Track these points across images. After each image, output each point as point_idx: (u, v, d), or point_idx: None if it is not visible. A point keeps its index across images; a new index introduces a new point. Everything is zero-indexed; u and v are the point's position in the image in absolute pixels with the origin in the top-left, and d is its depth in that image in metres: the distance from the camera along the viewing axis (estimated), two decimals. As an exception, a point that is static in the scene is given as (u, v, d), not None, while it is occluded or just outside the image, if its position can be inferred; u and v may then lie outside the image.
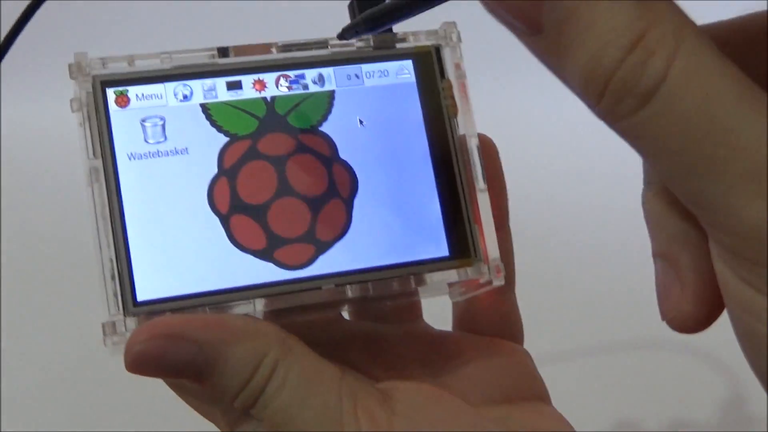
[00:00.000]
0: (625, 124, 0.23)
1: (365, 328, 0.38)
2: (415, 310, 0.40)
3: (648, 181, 0.29)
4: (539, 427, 0.35)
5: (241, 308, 0.33)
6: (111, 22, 0.91)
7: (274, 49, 0.36)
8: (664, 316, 0.28)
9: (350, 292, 0.34)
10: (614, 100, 0.23)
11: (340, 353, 0.36)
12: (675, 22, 0.22)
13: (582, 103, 0.24)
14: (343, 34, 0.35)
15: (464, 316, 0.40)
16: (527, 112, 0.89)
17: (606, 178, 0.81)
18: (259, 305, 0.33)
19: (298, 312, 0.34)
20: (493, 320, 0.39)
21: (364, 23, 0.34)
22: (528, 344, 0.40)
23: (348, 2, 0.36)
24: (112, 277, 0.32)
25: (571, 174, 0.84)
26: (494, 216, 0.36)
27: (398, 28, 0.37)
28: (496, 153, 0.38)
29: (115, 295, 0.32)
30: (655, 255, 0.29)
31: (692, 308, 0.27)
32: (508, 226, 0.39)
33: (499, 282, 0.36)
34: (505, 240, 0.38)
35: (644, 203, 0.29)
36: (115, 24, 0.91)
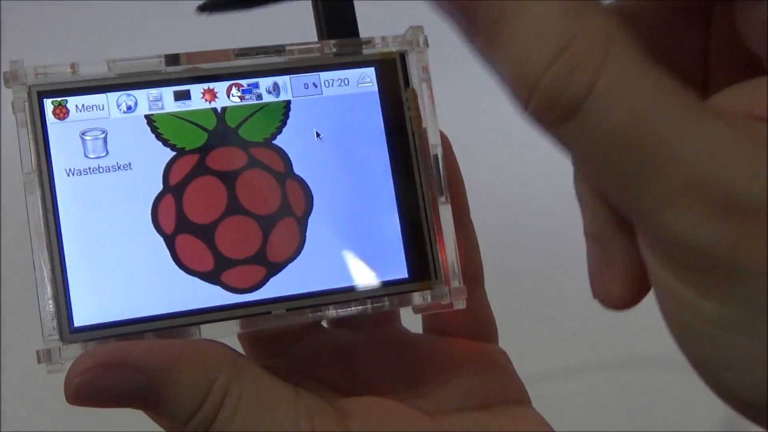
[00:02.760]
0: (552, 133, 0.22)
1: (339, 338, 0.37)
2: (391, 314, 0.39)
3: (577, 168, 0.28)
4: None
5: (187, 334, 0.31)
6: (62, 27, 0.88)
7: (231, 56, 0.33)
8: (595, 295, 0.28)
9: (302, 316, 0.32)
10: (540, 109, 0.22)
11: (311, 367, 0.35)
12: (605, 30, 0.21)
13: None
14: (204, 7, 0.31)
15: (433, 318, 0.38)
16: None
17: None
18: (204, 331, 0.31)
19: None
20: (463, 321, 0.37)
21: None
22: (521, 360, 0.38)
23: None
24: (48, 299, 0.30)
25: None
26: (453, 213, 0.35)
27: (363, 32, 0.35)
28: (450, 147, 0.36)
29: (51, 319, 0.30)
30: (586, 234, 0.28)
31: (620, 290, 0.27)
32: (470, 219, 0.37)
33: (460, 305, 0.34)
34: (467, 235, 0.37)
35: (575, 184, 0.28)
36: (66, 30, 0.88)
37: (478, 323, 0.38)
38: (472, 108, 0.83)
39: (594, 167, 0.23)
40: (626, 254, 0.27)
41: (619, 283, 0.27)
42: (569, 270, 0.73)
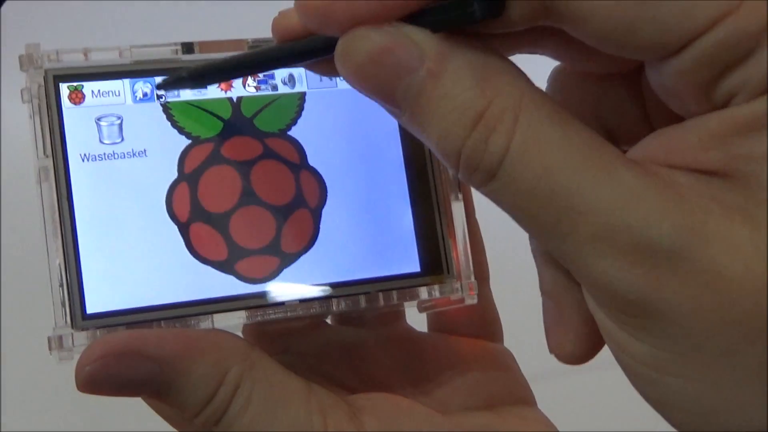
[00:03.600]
0: (481, 191, 0.24)
1: (345, 335, 0.37)
2: (397, 312, 0.39)
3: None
4: None
5: (199, 323, 0.31)
6: (79, 16, 0.88)
7: (246, 46, 0.33)
8: (551, 350, 0.29)
9: (315, 308, 0.32)
10: (466, 174, 0.24)
11: (318, 363, 0.35)
12: (514, 95, 0.23)
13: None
14: (164, 85, 0.32)
15: (438, 317, 0.38)
16: None
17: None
18: (217, 320, 0.31)
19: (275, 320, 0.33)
20: (468, 320, 0.37)
21: (189, 77, 0.30)
22: (531, 358, 0.38)
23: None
24: (60, 286, 0.30)
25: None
26: None
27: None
28: None
29: (63, 305, 0.30)
30: (541, 291, 0.30)
31: (573, 347, 0.29)
32: (475, 219, 0.37)
33: (471, 300, 0.34)
34: (473, 234, 0.37)
35: (530, 242, 0.30)
36: (81, 18, 0.88)
37: (483, 322, 0.38)
38: None
39: (520, 220, 0.24)
40: (578, 309, 0.28)
41: (572, 339, 0.29)
42: None
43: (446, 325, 0.38)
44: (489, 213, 0.41)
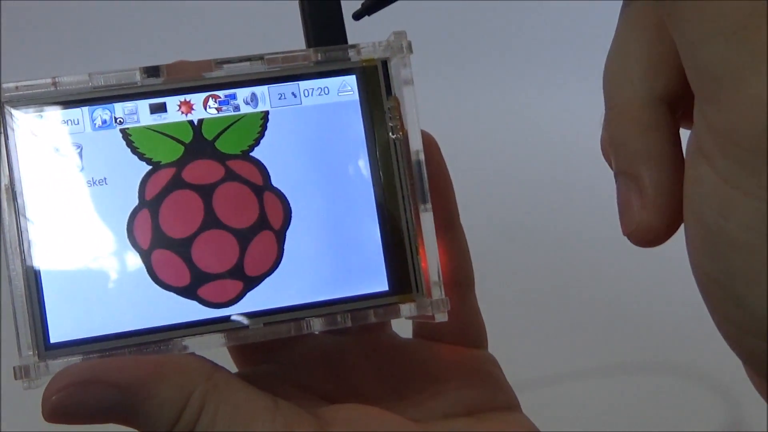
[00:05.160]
0: None
1: (326, 343, 0.37)
2: None
3: (611, 106, 0.29)
4: None
5: (163, 349, 0.31)
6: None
7: (212, 67, 0.33)
8: (625, 229, 0.28)
9: (282, 330, 0.32)
10: None
11: (298, 372, 0.35)
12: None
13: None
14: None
15: (423, 323, 0.38)
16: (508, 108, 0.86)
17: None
18: (182, 345, 0.31)
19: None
20: (452, 327, 0.37)
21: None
22: (523, 365, 0.38)
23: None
24: (23, 316, 0.31)
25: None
26: (441, 217, 0.34)
27: (357, 38, 0.34)
28: (438, 149, 0.36)
29: (28, 335, 0.31)
30: (616, 174, 0.29)
31: (652, 218, 0.27)
32: (459, 224, 0.37)
33: (441, 318, 0.34)
34: (457, 240, 0.36)
35: (606, 128, 0.29)
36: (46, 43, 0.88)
37: (467, 329, 0.38)
38: (464, 109, 0.82)
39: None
40: (659, 182, 0.27)
41: (650, 212, 0.27)
42: (568, 274, 0.72)
43: (430, 331, 0.38)
44: (475, 217, 0.41)
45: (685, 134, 0.27)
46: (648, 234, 0.28)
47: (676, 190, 0.26)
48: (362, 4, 0.34)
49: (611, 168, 0.29)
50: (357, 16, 0.34)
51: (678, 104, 0.28)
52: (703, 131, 0.24)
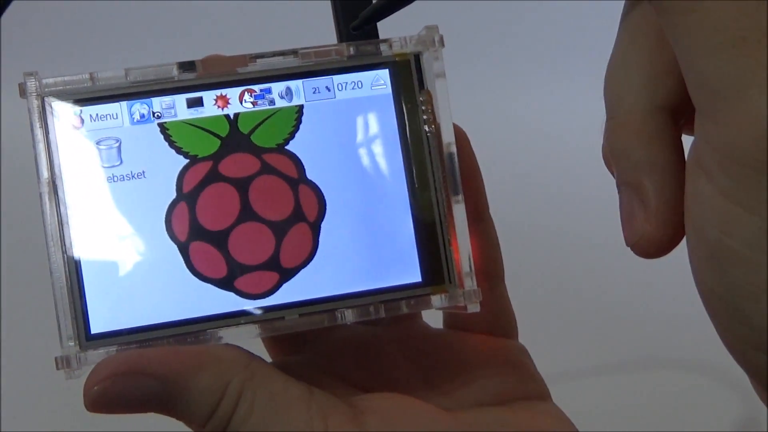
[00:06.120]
0: None
1: (358, 333, 0.37)
2: None
3: (612, 115, 0.29)
4: (536, 428, 0.34)
5: (201, 340, 0.32)
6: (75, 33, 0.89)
7: (247, 62, 0.33)
8: (628, 240, 0.28)
9: (317, 321, 0.33)
10: None
11: (331, 362, 0.36)
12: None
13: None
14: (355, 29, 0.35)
15: (454, 314, 0.38)
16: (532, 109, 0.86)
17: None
18: (219, 336, 0.32)
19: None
20: (483, 317, 0.37)
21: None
22: (542, 358, 0.38)
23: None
24: (65, 307, 0.31)
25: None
26: (471, 208, 0.34)
27: (384, 32, 0.35)
28: (468, 142, 0.36)
29: (69, 326, 0.31)
30: (619, 185, 0.29)
31: (655, 230, 0.27)
32: (489, 215, 0.37)
33: (474, 308, 0.34)
34: (487, 231, 0.37)
35: (607, 138, 0.29)
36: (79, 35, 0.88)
37: (497, 319, 0.38)
38: (494, 104, 0.82)
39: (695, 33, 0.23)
40: (662, 193, 0.27)
41: (653, 223, 0.27)
42: (591, 269, 0.72)
43: (461, 322, 0.38)
44: (505, 210, 0.41)
45: (687, 140, 0.27)
46: (651, 246, 0.28)
47: (680, 202, 0.26)
48: (360, 15, 0.34)
49: (613, 176, 0.29)
50: (356, 28, 0.34)
51: (680, 112, 0.28)
52: (703, 145, 0.24)
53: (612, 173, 0.29)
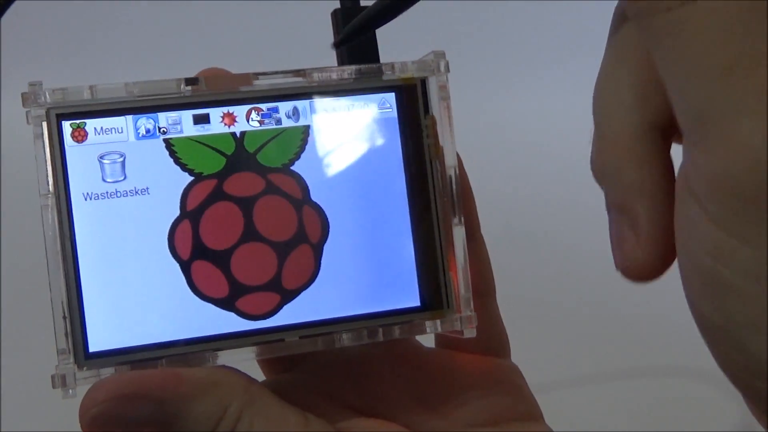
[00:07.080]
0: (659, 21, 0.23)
1: (350, 352, 0.37)
2: None
3: (601, 135, 0.28)
4: None
5: (200, 361, 0.32)
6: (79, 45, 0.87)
7: (251, 80, 0.33)
8: (619, 265, 0.28)
9: (315, 344, 0.33)
10: None
11: (322, 382, 0.36)
12: None
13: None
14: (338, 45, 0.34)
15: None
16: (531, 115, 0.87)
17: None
18: (220, 357, 0.32)
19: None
20: (476, 336, 0.38)
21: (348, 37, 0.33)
22: (536, 370, 0.38)
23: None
24: (63, 324, 0.31)
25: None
26: (464, 229, 0.34)
27: (384, 57, 0.35)
28: (460, 162, 0.36)
29: (66, 343, 0.31)
30: (609, 208, 0.28)
31: (646, 255, 0.27)
32: (480, 234, 0.37)
33: (470, 334, 0.34)
34: (478, 250, 0.37)
35: (597, 158, 0.28)
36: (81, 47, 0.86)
37: (490, 339, 0.38)
38: (478, 118, 0.82)
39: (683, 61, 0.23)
40: (652, 216, 0.26)
41: (644, 248, 0.27)
42: (581, 279, 0.73)
43: (454, 341, 0.38)
44: (495, 227, 0.41)
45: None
46: (643, 271, 0.27)
47: (671, 226, 0.26)
48: (342, 31, 0.34)
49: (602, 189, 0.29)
50: (337, 45, 0.34)
51: (671, 130, 0.27)
52: (692, 170, 0.24)
53: (601, 187, 0.29)
